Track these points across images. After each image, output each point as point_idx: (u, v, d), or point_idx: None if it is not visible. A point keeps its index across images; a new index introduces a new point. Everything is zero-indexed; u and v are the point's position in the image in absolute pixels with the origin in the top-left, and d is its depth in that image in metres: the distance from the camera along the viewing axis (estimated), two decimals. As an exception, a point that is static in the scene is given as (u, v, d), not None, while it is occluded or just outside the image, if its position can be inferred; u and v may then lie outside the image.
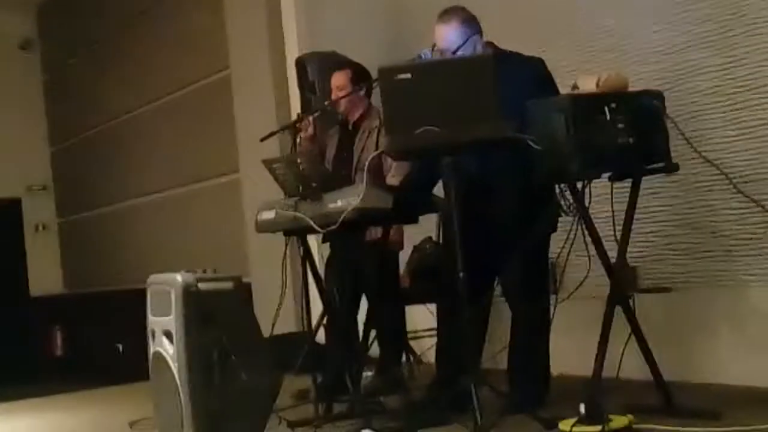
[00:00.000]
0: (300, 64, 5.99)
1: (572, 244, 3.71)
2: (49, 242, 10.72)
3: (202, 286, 3.69)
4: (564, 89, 3.95)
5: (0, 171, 10.16)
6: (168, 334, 3.71)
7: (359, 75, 4.96)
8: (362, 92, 4.92)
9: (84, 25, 9.97)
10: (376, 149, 4.48)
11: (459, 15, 4.02)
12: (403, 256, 5.11)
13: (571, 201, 3.65)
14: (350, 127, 4.99)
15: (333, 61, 5.55)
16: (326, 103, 4.98)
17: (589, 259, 3.73)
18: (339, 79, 4.99)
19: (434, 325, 4.38)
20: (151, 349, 3.82)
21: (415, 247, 5.12)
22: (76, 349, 9.85)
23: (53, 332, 10.34)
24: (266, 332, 4.06)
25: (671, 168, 3.74)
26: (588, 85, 3.67)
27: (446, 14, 4.04)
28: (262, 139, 4.80)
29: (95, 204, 10.08)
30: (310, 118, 4.97)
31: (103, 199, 9.91)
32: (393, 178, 4.59)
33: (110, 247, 9.79)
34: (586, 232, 3.67)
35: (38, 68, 10.77)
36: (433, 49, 3.99)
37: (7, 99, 10.26)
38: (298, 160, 4.21)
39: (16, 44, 10.54)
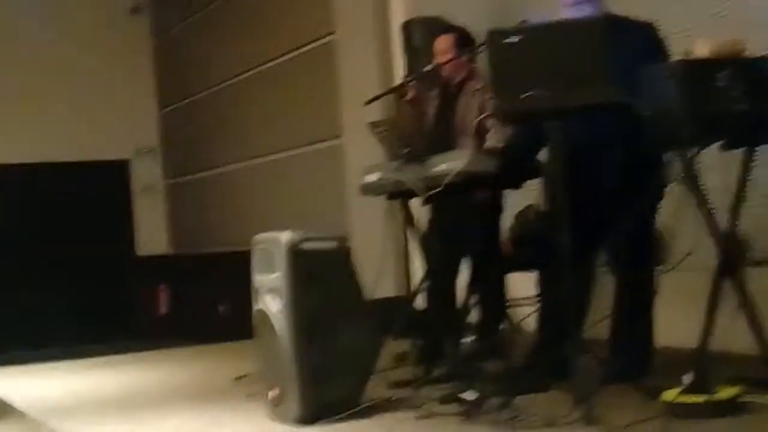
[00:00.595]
0: (405, 28, 5.99)
1: (681, 213, 3.63)
2: (156, 203, 11.00)
3: (306, 245, 3.74)
4: (677, 55, 3.85)
5: (110, 133, 10.46)
6: (272, 293, 3.77)
7: (463, 39, 4.94)
8: (466, 56, 4.89)
9: (193, -10, 10.13)
10: (479, 113, 4.45)
11: None
12: (505, 223, 5.08)
13: (681, 169, 3.57)
14: (453, 91, 4.97)
15: (438, 25, 5.52)
16: (429, 66, 4.97)
17: (698, 229, 3.64)
18: (443, 43, 4.97)
19: (534, 293, 4.35)
20: (256, 307, 3.90)
21: (517, 214, 5.08)
22: (180, 308, 10.10)
23: (159, 291, 10.62)
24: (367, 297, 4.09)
25: (787, 134, 3.62)
26: (702, 50, 3.57)
27: None
28: (367, 103, 4.83)
29: (200, 167, 10.28)
30: (414, 82, 4.97)
31: (208, 162, 10.10)
32: (492, 141, 4.55)
33: (215, 209, 9.99)
34: (695, 201, 3.58)
35: (148, 32, 11.00)
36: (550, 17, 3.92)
37: (118, 62, 10.52)
38: (402, 124, 4.22)
39: (128, 8, 10.77)
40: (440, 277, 4.70)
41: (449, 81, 4.97)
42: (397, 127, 4.19)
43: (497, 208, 4.88)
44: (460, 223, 4.69)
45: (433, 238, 4.93)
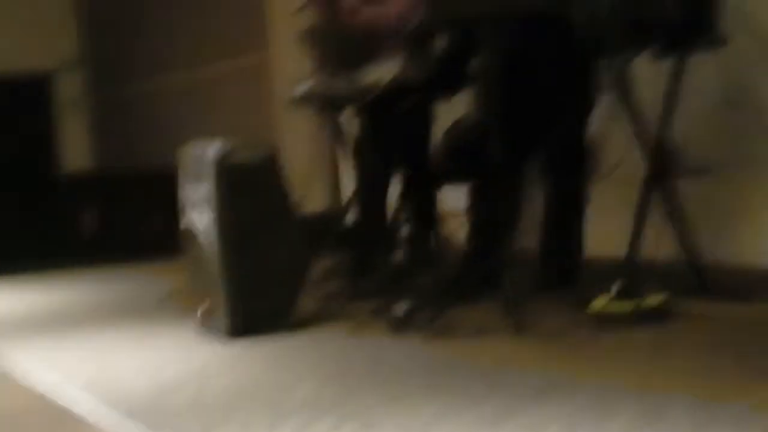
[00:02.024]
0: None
1: (612, 123, 3.61)
2: (80, 119, 10.73)
3: (235, 157, 3.65)
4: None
5: (30, 45, 10.10)
6: (200, 206, 3.68)
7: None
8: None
9: None
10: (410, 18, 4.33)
11: None
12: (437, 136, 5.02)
13: (613, 77, 3.55)
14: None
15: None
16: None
17: (629, 140, 3.63)
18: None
19: (465, 207, 4.32)
20: (184, 221, 3.81)
21: (449, 127, 5.02)
22: (107, 227, 9.94)
23: (84, 210, 10.42)
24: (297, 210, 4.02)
25: (718, 42, 3.59)
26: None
27: None
28: (298, 11, 4.68)
29: (125, 81, 10.03)
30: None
31: (132, 76, 9.84)
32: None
33: (140, 126, 9.77)
34: (626, 111, 3.57)
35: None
36: None
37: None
38: (332, 32, 4.11)
39: None
40: (371, 190, 4.65)
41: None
42: (326, 36, 4.08)
43: (429, 119, 4.81)
44: (391, 134, 4.62)
45: (364, 150, 4.85)
